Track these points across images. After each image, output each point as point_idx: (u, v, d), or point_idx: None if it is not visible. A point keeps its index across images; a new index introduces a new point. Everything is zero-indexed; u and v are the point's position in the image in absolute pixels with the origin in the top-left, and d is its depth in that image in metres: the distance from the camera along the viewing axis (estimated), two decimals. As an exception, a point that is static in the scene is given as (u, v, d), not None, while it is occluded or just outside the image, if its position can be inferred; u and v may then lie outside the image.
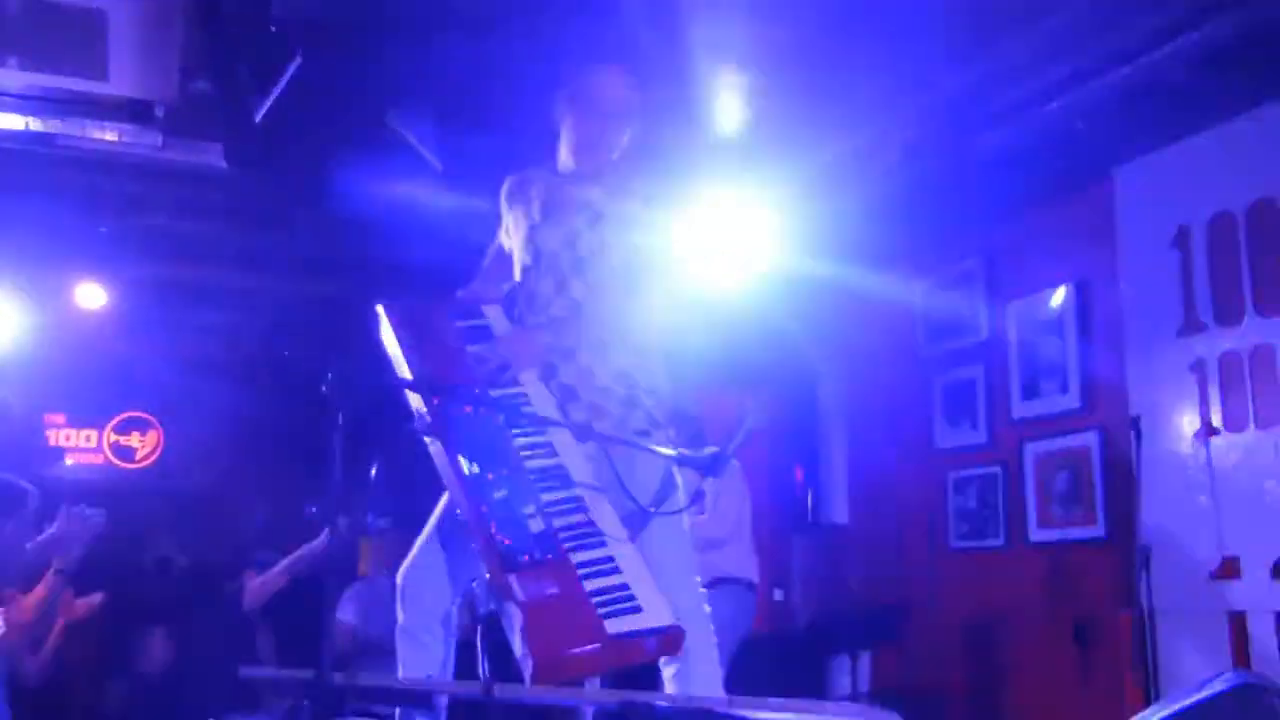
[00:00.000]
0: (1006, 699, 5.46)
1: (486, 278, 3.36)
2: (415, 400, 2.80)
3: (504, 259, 3.35)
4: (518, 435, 2.78)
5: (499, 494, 2.62)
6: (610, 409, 2.92)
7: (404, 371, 2.89)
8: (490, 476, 2.66)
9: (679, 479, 2.94)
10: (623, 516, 2.70)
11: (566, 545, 2.52)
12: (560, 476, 2.69)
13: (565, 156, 3.14)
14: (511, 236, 3.24)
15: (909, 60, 4.40)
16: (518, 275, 3.18)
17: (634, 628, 2.39)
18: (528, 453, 2.75)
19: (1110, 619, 4.81)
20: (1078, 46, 4.14)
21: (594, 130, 3.05)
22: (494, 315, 3.15)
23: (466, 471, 2.66)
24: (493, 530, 2.53)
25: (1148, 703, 4.06)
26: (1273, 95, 4.31)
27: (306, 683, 2.43)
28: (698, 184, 5.18)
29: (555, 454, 2.74)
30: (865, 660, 6.00)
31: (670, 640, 2.44)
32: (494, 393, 2.83)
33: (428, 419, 2.74)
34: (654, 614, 2.42)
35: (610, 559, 2.51)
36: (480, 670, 2.35)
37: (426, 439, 2.77)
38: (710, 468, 2.69)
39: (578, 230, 3.05)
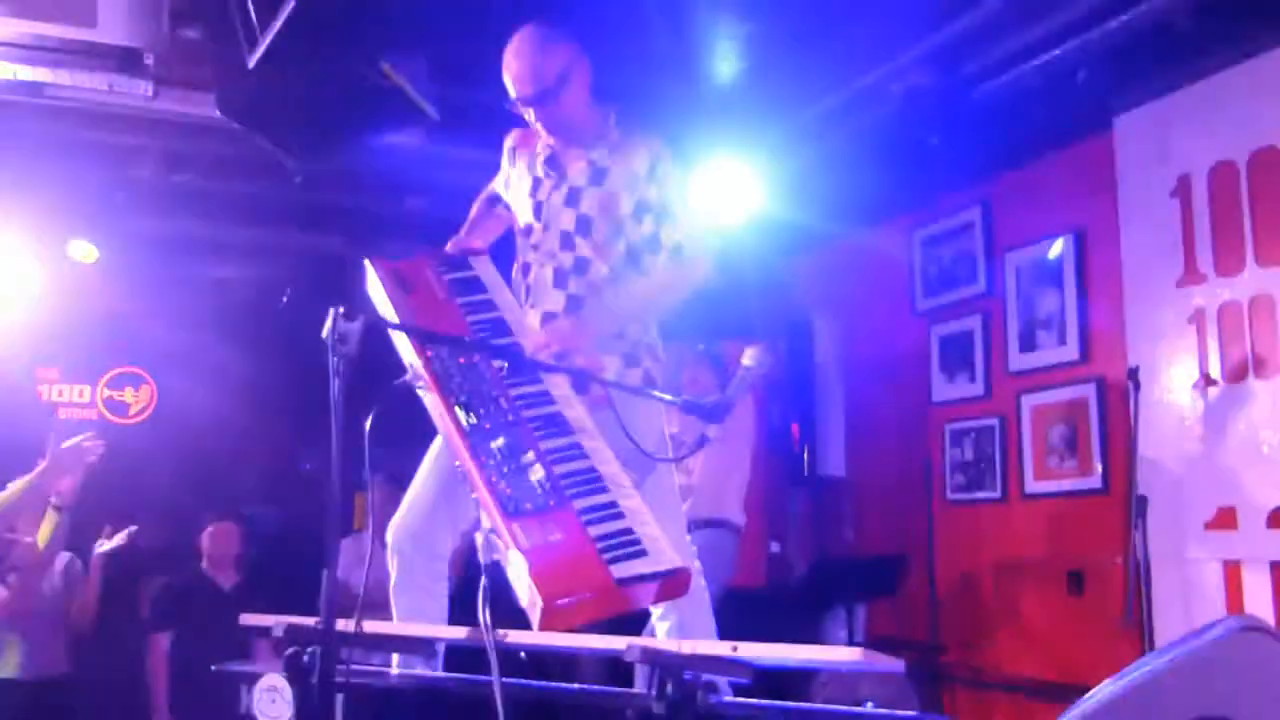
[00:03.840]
0: (1003, 650, 5.49)
1: (474, 228, 3.34)
2: (408, 354, 2.78)
3: (492, 210, 3.32)
4: (514, 385, 2.76)
5: (497, 443, 2.60)
6: (610, 362, 2.94)
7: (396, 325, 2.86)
8: (488, 426, 2.64)
9: (668, 431, 2.96)
10: (621, 463, 2.69)
11: (569, 492, 2.51)
12: (559, 424, 2.68)
13: None
14: (514, 191, 3.21)
15: (907, 7, 4.35)
16: (521, 229, 3.15)
17: (640, 571, 2.38)
18: (525, 402, 2.74)
19: (1106, 569, 4.83)
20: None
21: (520, 106, 2.99)
22: (482, 267, 3.13)
23: (464, 423, 2.65)
24: (493, 479, 2.51)
25: (1143, 652, 4.09)
26: (1275, 42, 4.27)
27: (311, 630, 2.44)
28: (694, 134, 5.14)
29: (553, 401, 2.74)
30: (861, 613, 6.03)
31: (677, 582, 2.44)
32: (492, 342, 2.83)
33: (422, 373, 2.72)
34: (659, 557, 2.41)
35: (614, 504, 2.50)
36: (481, 620, 2.33)
37: (420, 392, 2.75)
38: (713, 414, 2.68)
39: (581, 187, 3.03)
